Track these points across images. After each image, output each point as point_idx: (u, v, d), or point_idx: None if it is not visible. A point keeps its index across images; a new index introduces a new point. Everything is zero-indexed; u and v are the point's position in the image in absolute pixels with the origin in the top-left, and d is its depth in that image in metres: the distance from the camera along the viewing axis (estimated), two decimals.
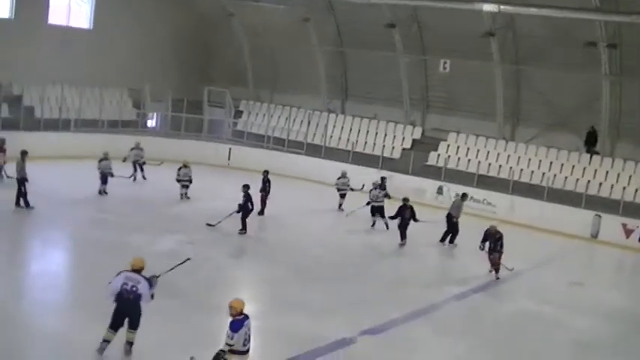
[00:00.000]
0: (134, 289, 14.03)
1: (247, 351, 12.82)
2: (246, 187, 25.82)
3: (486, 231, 23.55)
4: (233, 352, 12.61)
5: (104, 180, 29.81)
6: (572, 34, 33.12)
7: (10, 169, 29.10)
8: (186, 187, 30.63)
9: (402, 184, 33.57)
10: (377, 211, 29.42)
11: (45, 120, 36.97)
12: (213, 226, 25.67)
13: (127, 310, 14.15)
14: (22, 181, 25.68)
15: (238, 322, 12.63)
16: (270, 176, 29.66)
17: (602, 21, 31.77)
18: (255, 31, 44.36)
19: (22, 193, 25.69)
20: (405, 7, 37.68)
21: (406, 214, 26.90)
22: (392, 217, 27.56)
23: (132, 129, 40.78)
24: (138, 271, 14.29)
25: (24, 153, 26.26)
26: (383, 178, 32.14)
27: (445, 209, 30.23)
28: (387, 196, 29.88)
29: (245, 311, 12.75)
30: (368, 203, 29.81)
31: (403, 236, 26.83)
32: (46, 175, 26.76)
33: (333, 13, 41.24)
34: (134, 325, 14.34)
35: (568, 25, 32.78)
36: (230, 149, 41.07)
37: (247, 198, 25.62)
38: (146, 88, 41.86)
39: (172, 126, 43.03)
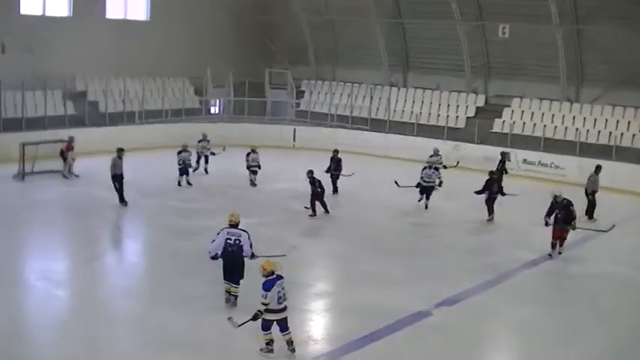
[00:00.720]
0: (237, 241, 16.11)
1: (284, 309, 13.90)
2: (310, 172, 25.74)
3: (553, 201, 21.70)
4: (269, 310, 13.67)
5: (184, 171, 29.96)
6: None
7: (80, 165, 29.86)
8: (255, 172, 30.39)
9: (468, 153, 33.49)
10: (426, 191, 27.56)
11: (109, 114, 37.65)
12: (307, 209, 25.73)
13: (232, 261, 16.08)
14: (115, 177, 25.89)
15: (269, 282, 13.69)
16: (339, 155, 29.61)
17: None
18: (314, 8, 44.45)
19: (116, 189, 25.97)
20: None
21: (494, 187, 25.91)
22: (479, 192, 26.26)
23: (195, 116, 41.32)
24: (236, 225, 16.37)
25: (119, 150, 26.24)
26: (504, 154, 31.05)
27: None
28: (440, 176, 28.19)
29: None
30: (418, 185, 27.76)
31: (491, 211, 25.87)
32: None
33: None
34: (238, 279, 16.15)
35: None
36: (294, 130, 41.23)
37: (314, 183, 25.59)
38: (207, 74, 42.15)
39: (235, 110, 43.40)
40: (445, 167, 30.52)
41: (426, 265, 20.73)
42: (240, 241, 16.08)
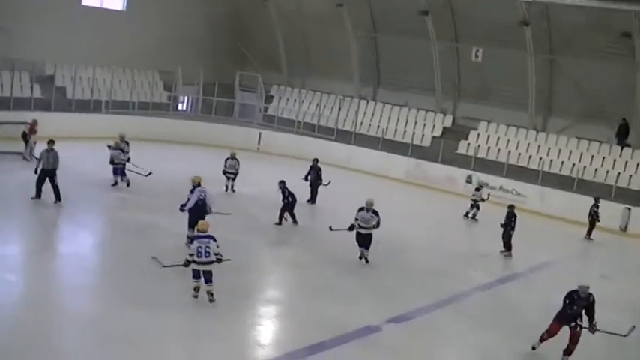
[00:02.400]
0: (204, 197, 20.46)
1: (207, 262, 16.52)
2: (282, 182, 25.26)
3: (572, 293, 16.28)
4: (194, 260, 16.47)
5: (116, 171, 27.67)
6: (607, 25, 32.86)
7: (41, 149, 29.39)
8: (233, 179, 29.65)
9: (431, 173, 33.50)
10: (364, 240, 21.96)
11: (76, 101, 37.26)
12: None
13: (199, 213, 19.90)
14: (45, 172, 23.82)
15: (195, 237, 16.97)
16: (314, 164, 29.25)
17: (636, 12, 31.32)
18: (289, 16, 44.42)
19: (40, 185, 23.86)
20: None
21: (513, 221, 24.73)
22: (507, 227, 24.82)
23: (163, 111, 41.12)
24: (199, 184, 20.87)
25: (50, 142, 24.25)
26: (597, 199, 29.66)
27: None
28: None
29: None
30: (352, 228, 22.06)
31: (510, 246, 24.87)
32: (77, 156, 26.73)
33: None
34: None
35: (602, 16, 32.47)
36: (260, 134, 41.08)
37: (285, 194, 25.15)
38: (178, 70, 41.97)
39: (203, 109, 43.19)
40: (483, 200, 30.38)
41: (381, 281, 20.62)
42: (205, 197, 20.40)
